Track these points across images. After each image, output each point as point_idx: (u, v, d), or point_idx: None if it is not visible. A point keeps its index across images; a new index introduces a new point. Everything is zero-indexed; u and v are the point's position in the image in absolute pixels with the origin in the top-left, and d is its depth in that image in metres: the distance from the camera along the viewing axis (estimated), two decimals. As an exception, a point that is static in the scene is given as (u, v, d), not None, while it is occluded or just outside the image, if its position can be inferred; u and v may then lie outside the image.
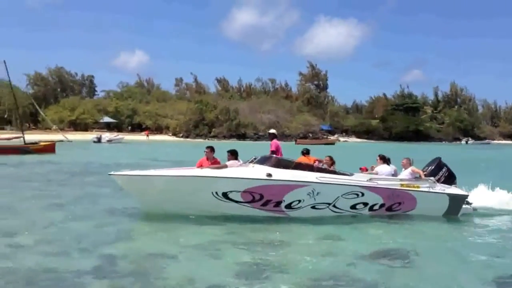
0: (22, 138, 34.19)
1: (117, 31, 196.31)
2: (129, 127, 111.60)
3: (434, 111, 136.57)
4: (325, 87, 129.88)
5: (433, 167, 12.33)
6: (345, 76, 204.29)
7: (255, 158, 11.20)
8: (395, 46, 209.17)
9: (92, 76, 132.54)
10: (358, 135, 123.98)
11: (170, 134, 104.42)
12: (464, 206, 12.02)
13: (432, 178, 11.76)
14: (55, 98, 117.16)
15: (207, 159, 11.56)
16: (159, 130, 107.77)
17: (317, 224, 10.45)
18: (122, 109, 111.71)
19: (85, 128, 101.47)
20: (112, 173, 10.58)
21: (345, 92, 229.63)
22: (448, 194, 11.76)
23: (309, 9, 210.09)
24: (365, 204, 11.09)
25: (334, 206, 10.85)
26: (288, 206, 10.63)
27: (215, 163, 11.36)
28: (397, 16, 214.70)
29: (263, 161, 11.03)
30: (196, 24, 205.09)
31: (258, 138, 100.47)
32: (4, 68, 35.37)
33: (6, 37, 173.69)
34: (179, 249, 8.30)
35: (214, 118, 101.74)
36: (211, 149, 11.80)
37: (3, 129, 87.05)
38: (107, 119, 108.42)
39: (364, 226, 10.59)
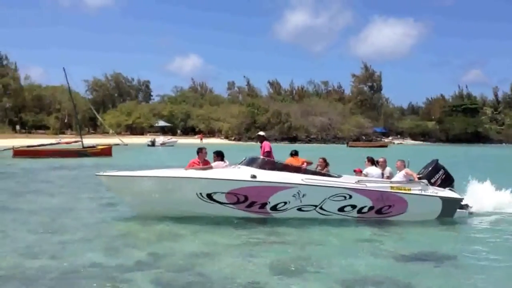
0: (81, 142, 35.59)
1: (172, 36, 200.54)
2: (183, 131, 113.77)
3: (494, 112, 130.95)
4: (379, 89, 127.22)
5: (429, 170, 12.07)
6: (400, 77, 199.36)
7: (244, 159, 11.21)
8: (453, 46, 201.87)
9: (148, 81, 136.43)
10: (414, 137, 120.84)
11: (223, 137, 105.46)
12: (459, 210, 11.68)
13: (424, 180, 11.43)
14: (113, 103, 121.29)
15: (199, 160, 11.57)
16: (211, 133, 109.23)
17: (348, 225, 10.54)
18: (176, 113, 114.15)
19: (141, 132, 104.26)
20: (98, 173, 10.79)
21: (400, 93, 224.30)
22: (441, 197, 11.38)
23: (363, 9, 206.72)
24: (353, 206, 10.83)
25: (321, 208, 10.68)
26: (274, 208, 10.54)
27: (205, 164, 11.36)
28: (456, 13, 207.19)
29: (249, 162, 11.03)
30: (248, 27, 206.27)
31: (309, 141, 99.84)
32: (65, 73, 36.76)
33: (67, 38, 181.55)
34: (218, 249, 8.60)
35: (265, 121, 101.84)
36: (203, 150, 11.84)
37: (63, 133, 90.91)
38: (162, 123, 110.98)
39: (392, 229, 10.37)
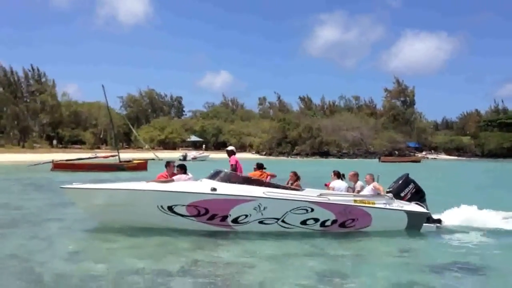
0: (117, 157, 36.43)
1: (202, 53, 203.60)
2: (214, 146, 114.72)
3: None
4: (412, 103, 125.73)
5: (399, 184, 11.98)
6: (434, 92, 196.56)
7: (210, 173, 11.24)
8: (488, 60, 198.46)
9: (181, 97, 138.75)
10: (448, 153, 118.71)
11: (254, 152, 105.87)
12: (426, 224, 11.55)
13: (389, 194, 11.40)
14: (146, 118, 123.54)
15: (167, 173, 11.60)
16: (242, 148, 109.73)
17: (391, 236, 10.58)
18: (208, 128, 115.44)
19: (173, 146, 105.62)
20: (63, 186, 10.84)
21: (434, 108, 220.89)
22: (406, 211, 11.29)
23: (395, 23, 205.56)
24: (316, 220, 10.77)
25: (283, 221, 10.61)
26: (235, 221, 10.51)
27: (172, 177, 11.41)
28: (491, 27, 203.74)
29: (212, 175, 11.05)
30: (278, 42, 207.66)
31: (341, 155, 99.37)
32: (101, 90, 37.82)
33: (101, 55, 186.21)
34: (256, 259, 8.77)
35: (297, 136, 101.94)
36: (171, 164, 11.93)
37: (99, 148, 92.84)
38: (194, 138, 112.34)
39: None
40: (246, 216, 10.43)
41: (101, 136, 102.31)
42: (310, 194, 10.98)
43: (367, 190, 11.59)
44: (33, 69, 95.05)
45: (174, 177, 11.14)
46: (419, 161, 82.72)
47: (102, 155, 41.86)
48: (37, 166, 33.45)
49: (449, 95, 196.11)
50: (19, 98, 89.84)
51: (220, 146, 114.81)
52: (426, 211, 11.62)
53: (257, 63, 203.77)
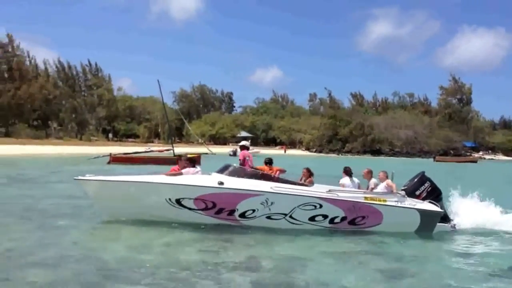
0: (172, 151, 36.97)
1: (253, 48, 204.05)
2: (264, 141, 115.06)
3: None
4: (468, 101, 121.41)
5: (414, 182, 11.60)
6: (492, 90, 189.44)
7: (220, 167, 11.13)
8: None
9: (231, 93, 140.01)
10: (506, 153, 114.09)
11: (304, 149, 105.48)
12: (440, 223, 11.15)
13: (402, 192, 11.03)
14: (198, 113, 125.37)
15: (178, 168, 11.52)
16: (292, 144, 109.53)
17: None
18: (258, 124, 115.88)
19: (223, 142, 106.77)
20: (76, 178, 10.68)
21: (492, 107, 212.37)
22: (419, 210, 10.89)
23: (451, 18, 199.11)
24: (325, 216, 10.53)
25: (290, 217, 10.41)
26: (242, 215, 10.35)
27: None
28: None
29: (221, 169, 10.94)
30: (330, 38, 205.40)
31: (394, 154, 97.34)
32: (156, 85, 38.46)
33: (154, 49, 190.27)
34: (313, 255, 8.72)
35: (348, 133, 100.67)
36: (182, 158, 11.95)
37: (152, 141, 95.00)
38: (244, 133, 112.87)
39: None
40: (254, 211, 10.31)
41: (154, 130, 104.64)
42: (318, 190, 10.74)
43: (381, 188, 11.32)
44: (90, 64, 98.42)
45: (183, 170, 11.13)
46: (475, 162, 79.73)
47: (157, 149, 42.56)
48: (96, 159, 34.41)
49: (507, 93, 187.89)
50: (77, 92, 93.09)
51: (270, 142, 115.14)
52: (440, 210, 11.17)
53: (307, 59, 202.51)
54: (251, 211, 10.30)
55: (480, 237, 11.10)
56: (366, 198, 10.79)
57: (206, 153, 40.56)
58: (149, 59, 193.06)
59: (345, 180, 11.81)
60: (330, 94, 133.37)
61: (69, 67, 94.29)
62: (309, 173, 11.74)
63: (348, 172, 11.96)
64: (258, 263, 8.00)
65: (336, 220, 10.60)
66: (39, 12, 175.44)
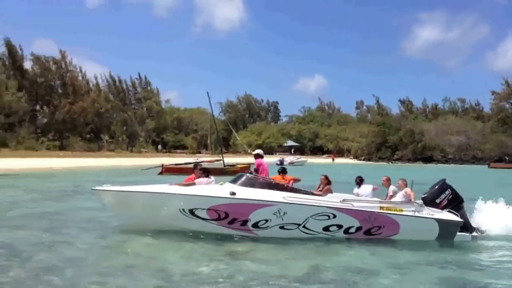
0: (221, 161, 37.15)
1: (297, 57, 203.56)
2: (311, 150, 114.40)
3: None
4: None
5: (434, 189, 11.23)
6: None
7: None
8: None
9: (277, 102, 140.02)
10: None
11: (352, 157, 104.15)
12: (460, 233, 10.79)
13: (419, 201, 10.74)
14: (244, 123, 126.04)
15: (194, 177, 11.53)
16: (340, 153, 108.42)
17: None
18: (304, 133, 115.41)
19: (270, 151, 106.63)
20: (94, 188, 11.06)
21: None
22: (437, 220, 10.59)
23: (500, 21, 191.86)
24: (339, 226, 10.38)
25: (304, 227, 10.28)
26: (255, 225, 10.27)
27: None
28: None
29: (234, 179, 10.88)
30: (375, 44, 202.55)
31: (446, 161, 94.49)
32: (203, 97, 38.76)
33: (199, 61, 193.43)
34: (377, 266, 8.58)
35: (397, 141, 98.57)
36: (197, 167, 11.94)
37: (199, 152, 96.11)
38: (290, 142, 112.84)
39: None
40: (266, 221, 10.22)
41: (202, 141, 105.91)
42: (332, 199, 10.52)
43: (399, 196, 11.09)
44: (140, 78, 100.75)
45: (196, 181, 11.16)
46: (532, 168, 76.24)
47: (207, 159, 42.88)
48: (148, 170, 34.98)
49: None
50: (127, 105, 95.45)
51: (316, 150, 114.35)
52: (459, 219, 10.77)
53: (352, 66, 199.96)
54: (264, 221, 10.25)
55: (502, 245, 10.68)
56: (381, 208, 10.56)
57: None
58: (193, 71, 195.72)
59: (360, 189, 11.77)
60: (377, 101, 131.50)
61: (119, 81, 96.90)
62: (327, 181, 11.68)
63: (358, 181, 12.01)
64: (320, 274, 7.89)
65: (351, 230, 10.46)
66: (84, 24, 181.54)
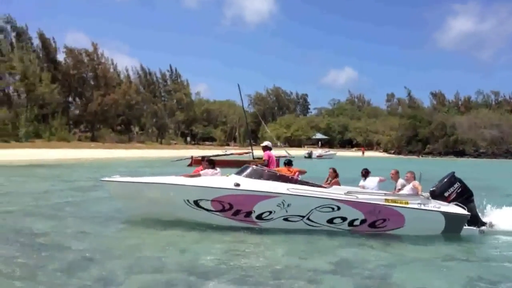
0: (251, 153, 37.19)
1: (326, 49, 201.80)
2: (340, 143, 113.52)
3: None
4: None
5: (443, 183, 11.08)
6: None
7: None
8: None
9: (306, 95, 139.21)
10: None
11: (381, 151, 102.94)
12: (468, 227, 10.63)
13: (425, 194, 10.53)
14: (273, 116, 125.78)
15: (202, 169, 11.60)
16: (369, 146, 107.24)
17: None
18: (333, 126, 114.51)
19: (298, 144, 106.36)
20: (102, 179, 11.16)
21: None
22: (443, 212, 10.43)
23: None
24: (344, 219, 10.31)
25: (308, 219, 10.26)
26: (259, 217, 10.27)
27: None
28: None
29: (239, 171, 10.90)
30: (406, 35, 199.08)
31: (478, 155, 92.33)
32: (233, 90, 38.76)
33: (227, 54, 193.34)
34: (406, 260, 8.61)
35: (429, 134, 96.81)
36: (203, 160, 11.92)
37: (228, 144, 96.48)
38: (319, 135, 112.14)
39: None
40: (270, 212, 10.23)
41: (230, 133, 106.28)
42: (337, 192, 10.45)
43: (407, 189, 10.91)
44: (171, 70, 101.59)
45: (201, 172, 11.27)
46: None
47: (237, 152, 43.03)
48: (179, 161, 35.36)
49: None
50: (157, 97, 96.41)
51: (346, 144, 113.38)
52: (467, 213, 10.60)
53: (382, 58, 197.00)
54: (268, 213, 10.26)
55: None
56: (387, 200, 10.43)
57: (285, 156, 40.38)
58: (222, 63, 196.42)
59: (366, 181, 11.70)
60: (409, 94, 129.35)
61: (150, 73, 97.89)
62: (335, 174, 11.74)
63: (365, 174, 11.95)
64: (351, 268, 7.92)
65: (356, 223, 10.39)
66: (114, 16, 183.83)
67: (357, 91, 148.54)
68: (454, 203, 10.72)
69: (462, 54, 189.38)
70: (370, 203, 10.32)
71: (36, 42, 74.09)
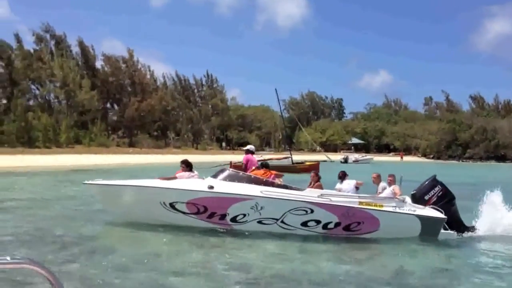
0: (290, 158, 36.86)
1: (360, 52, 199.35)
2: (377, 148, 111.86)
3: None
4: None
5: (424, 185, 11.08)
6: None
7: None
8: None
9: (341, 99, 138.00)
10: None
11: (420, 155, 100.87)
12: (445, 231, 10.45)
13: (401, 197, 10.50)
14: (307, 120, 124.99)
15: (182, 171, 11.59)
16: (407, 151, 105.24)
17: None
18: (369, 130, 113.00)
19: (334, 149, 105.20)
20: (85, 182, 11.26)
21: None
22: (419, 216, 10.30)
23: None
24: (317, 221, 10.19)
25: (282, 222, 10.18)
26: (234, 220, 10.26)
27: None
28: None
29: (215, 174, 11.01)
30: (442, 38, 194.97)
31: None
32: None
33: (262, 56, 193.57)
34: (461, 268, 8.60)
35: (469, 138, 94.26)
36: (184, 163, 11.68)
37: (263, 150, 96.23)
38: (355, 140, 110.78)
39: None
40: (244, 215, 10.19)
41: (265, 138, 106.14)
42: (310, 194, 10.36)
43: (386, 192, 10.93)
44: (207, 75, 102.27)
45: (177, 174, 11.27)
46: None
47: (276, 157, 42.73)
48: (217, 167, 35.26)
49: None
50: (192, 103, 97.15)
51: (382, 148, 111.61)
52: (443, 216, 10.39)
53: (418, 60, 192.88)
54: (242, 216, 10.23)
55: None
56: (361, 203, 10.32)
57: (325, 161, 39.92)
58: (255, 68, 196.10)
59: (343, 184, 11.62)
60: (447, 97, 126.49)
61: (185, 79, 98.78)
62: (317, 177, 11.69)
63: (342, 176, 11.89)
64: (406, 276, 7.82)
65: (330, 226, 10.28)
66: (149, 23, 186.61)
67: (393, 94, 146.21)
68: (431, 206, 10.60)
69: (500, 57, 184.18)
70: (343, 205, 10.20)
71: (75, 49, 75.76)
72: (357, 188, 11.53)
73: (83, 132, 64.97)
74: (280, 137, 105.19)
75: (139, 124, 79.29)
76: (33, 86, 66.77)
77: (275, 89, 39.13)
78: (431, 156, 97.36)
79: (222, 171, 11.21)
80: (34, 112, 58.54)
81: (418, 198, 10.80)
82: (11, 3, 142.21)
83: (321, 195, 10.33)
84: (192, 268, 7.70)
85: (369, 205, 10.35)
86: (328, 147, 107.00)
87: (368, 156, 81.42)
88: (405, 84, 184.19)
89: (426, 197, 10.80)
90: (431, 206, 10.62)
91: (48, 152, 46.51)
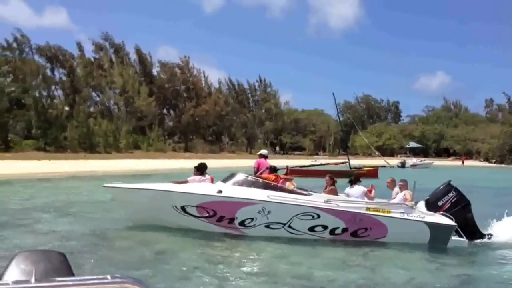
0: (347, 163, 36.23)
1: (415, 53, 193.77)
2: (435, 152, 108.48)
3: None
4: None
5: (437, 191, 10.89)
6: None
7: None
8: None
9: (397, 102, 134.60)
10: None
11: (482, 160, 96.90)
12: (455, 238, 10.19)
13: (410, 203, 10.30)
14: (362, 124, 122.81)
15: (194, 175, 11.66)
16: (468, 155, 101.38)
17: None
18: (428, 134, 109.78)
19: (391, 153, 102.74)
20: (105, 185, 11.55)
21: None
22: (427, 223, 10.12)
23: None
24: (324, 227, 10.15)
25: (289, 226, 10.18)
26: (242, 224, 10.35)
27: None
28: None
29: (225, 178, 11.04)
30: (503, 36, 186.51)
31: None
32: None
33: (321, 62, 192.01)
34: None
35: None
36: (196, 167, 11.73)
37: (317, 154, 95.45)
38: (412, 144, 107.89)
39: None
40: (252, 219, 10.27)
41: (319, 142, 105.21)
42: (317, 199, 10.34)
43: (398, 198, 10.77)
44: (260, 80, 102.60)
45: (189, 178, 11.41)
46: None
47: (333, 161, 42.14)
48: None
49: None
50: (245, 107, 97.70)
51: (441, 152, 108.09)
52: (453, 223, 10.11)
53: (477, 60, 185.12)
54: (250, 220, 10.31)
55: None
56: (368, 209, 10.22)
57: (384, 166, 38.96)
58: (308, 72, 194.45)
59: (352, 189, 11.28)
60: (509, 99, 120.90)
61: (239, 84, 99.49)
62: (332, 181, 11.45)
63: (351, 181, 11.54)
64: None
65: (337, 231, 10.23)
66: (202, 29, 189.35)
67: (451, 96, 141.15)
68: (442, 213, 10.39)
69: None
70: (349, 211, 10.13)
71: (133, 57, 77.89)
72: (368, 195, 11.20)
73: (142, 137, 66.61)
74: (332, 141, 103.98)
75: (194, 129, 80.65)
76: (94, 93, 69.23)
77: (333, 93, 38.71)
78: (494, 160, 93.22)
79: (232, 175, 11.23)
80: (95, 118, 60.63)
81: (431, 204, 10.65)
82: (70, 12, 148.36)
83: (328, 200, 10.29)
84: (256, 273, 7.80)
85: (377, 211, 10.26)
86: (385, 151, 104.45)
87: (428, 161, 78.99)
88: (463, 85, 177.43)
89: (440, 203, 10.68)
90: (443, 212, 10.42)
91: (108, 157, 47.92)
